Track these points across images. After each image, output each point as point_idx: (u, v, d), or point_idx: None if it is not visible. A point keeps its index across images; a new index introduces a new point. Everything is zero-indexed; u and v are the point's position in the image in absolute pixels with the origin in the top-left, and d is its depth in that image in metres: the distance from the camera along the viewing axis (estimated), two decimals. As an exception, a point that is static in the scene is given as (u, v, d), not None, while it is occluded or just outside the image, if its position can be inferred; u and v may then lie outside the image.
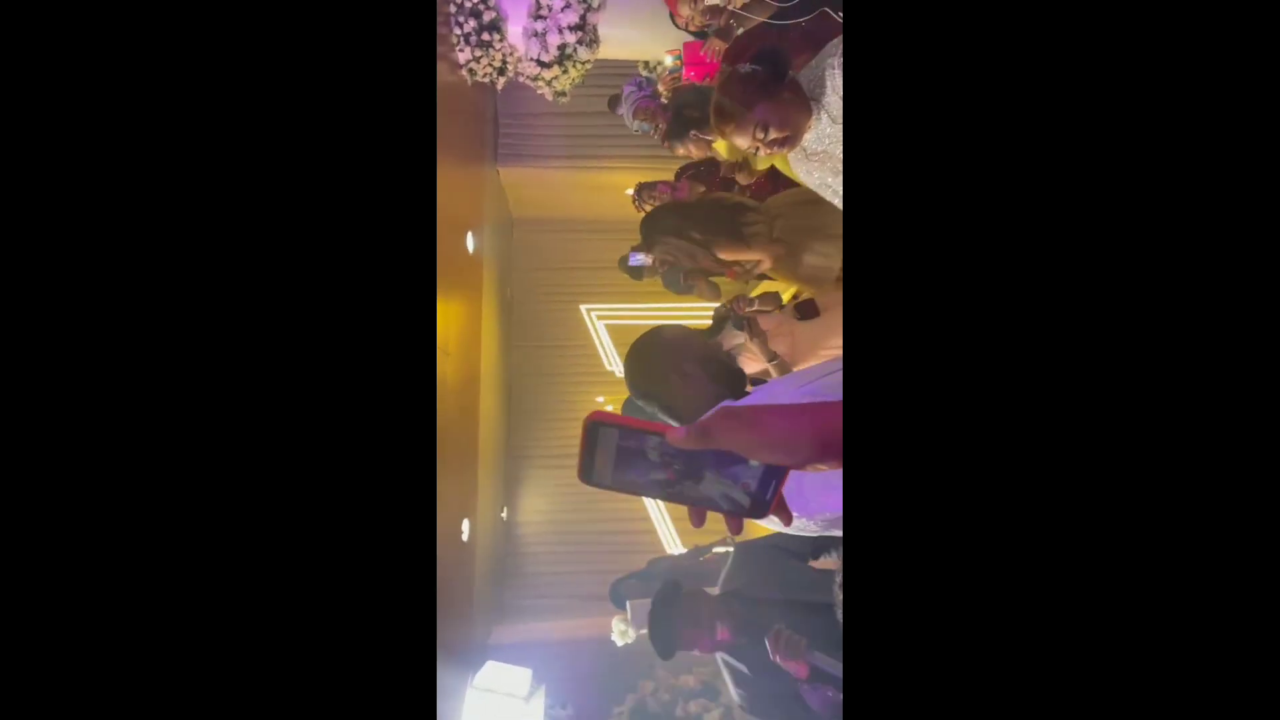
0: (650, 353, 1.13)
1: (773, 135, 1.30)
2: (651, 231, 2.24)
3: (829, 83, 1.30)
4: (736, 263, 2.16)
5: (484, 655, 2.98)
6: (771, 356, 1.88)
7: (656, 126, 2.80)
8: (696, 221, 2.15)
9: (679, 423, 1.12)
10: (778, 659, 1.39)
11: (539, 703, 1.91)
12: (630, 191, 2.79)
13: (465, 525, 2.94)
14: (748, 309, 2.02)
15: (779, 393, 1.15)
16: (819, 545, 1.50)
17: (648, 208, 2.55)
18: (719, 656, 1.59)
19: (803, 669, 1.38)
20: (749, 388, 1.15)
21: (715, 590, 1.67)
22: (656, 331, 1.16)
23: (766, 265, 2.11)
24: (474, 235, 3.23)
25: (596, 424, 0.48)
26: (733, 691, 1.57)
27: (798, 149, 1.43)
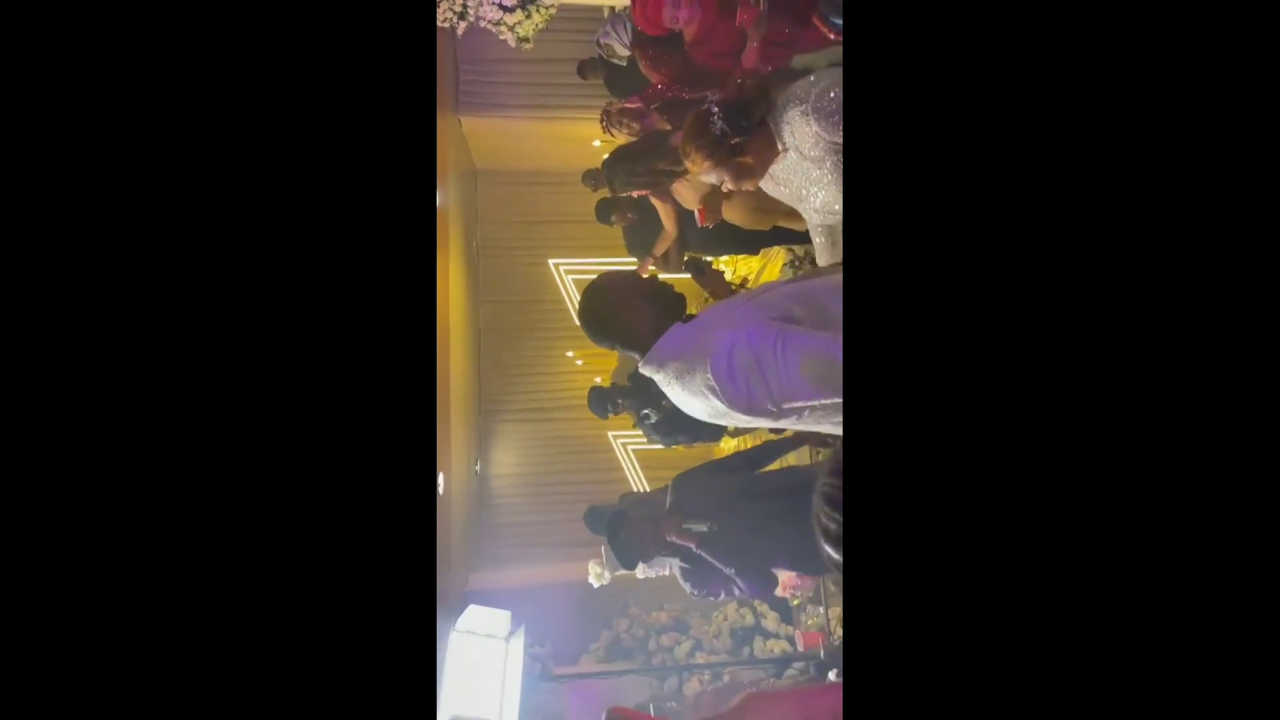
0: (599, 297, 1.31)
1: (728, 188, 1.38)
2: (613, 170, 2.38)
3: (799, 128, 1.31)
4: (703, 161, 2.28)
5: (463, 601, 3.09)
6: (730, 292, 2.06)
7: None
8: (652, 146, 2.32)
9: (639, 355, 1.28)
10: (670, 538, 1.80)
11: (519, 642, 2.02)
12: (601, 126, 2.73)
13: (440, 479, 2.99)
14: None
15: (723, 311, 1.29)
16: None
17: (614, 132, 2.56)
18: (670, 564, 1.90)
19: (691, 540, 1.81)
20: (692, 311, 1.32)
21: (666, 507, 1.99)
22: (600, 278, 1.34)
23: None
24: (438, 187, 3.17)
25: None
26: (682, 583, 1.90)
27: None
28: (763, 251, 2.93)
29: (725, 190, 1.41)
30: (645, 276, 2.10)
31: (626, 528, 1.87)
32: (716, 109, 1.31)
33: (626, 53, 2.85)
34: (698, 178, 2.39)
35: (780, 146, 1.36)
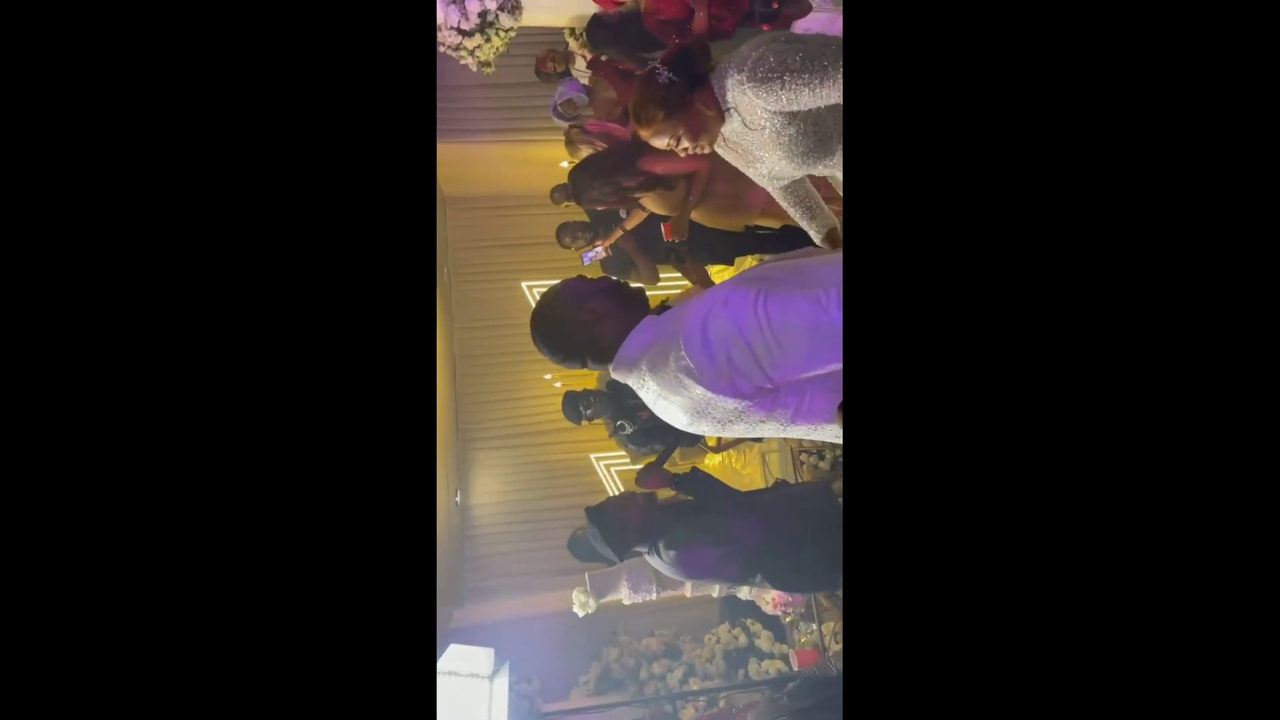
0: (549, 315, 1.15)
1: (685, 145, 1.34)
2: (579, 180, 2.38)
3: (738, 96, 1.28)
4: (668, 175, 2.28)
5: (447, 640, 2.98)
6: (712, 283, 2.07)
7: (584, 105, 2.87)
8: (615, 155, 2.38)
9: (608, 364, 1.16)
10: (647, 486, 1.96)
11: (504, 680, 1.94)
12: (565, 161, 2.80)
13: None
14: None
15: (699, 294, 1.17)
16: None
17: (581, 152, 2.61)
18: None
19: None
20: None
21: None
22: (544, 297, 1.19)
23: (696, 149, 2.32)
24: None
25: None
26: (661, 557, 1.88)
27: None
28: (736, 261, 2.93)
29: (683, 152, 1.35)
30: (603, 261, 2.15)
31: (608, 509, 1.81)
32: (661, 65, 1.29)
33: (587, 101, 2.97)
34: (659, 198, 2.44)
35: (724, 106, 1.32)
